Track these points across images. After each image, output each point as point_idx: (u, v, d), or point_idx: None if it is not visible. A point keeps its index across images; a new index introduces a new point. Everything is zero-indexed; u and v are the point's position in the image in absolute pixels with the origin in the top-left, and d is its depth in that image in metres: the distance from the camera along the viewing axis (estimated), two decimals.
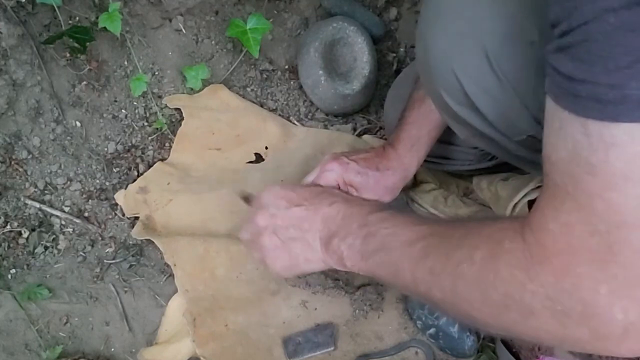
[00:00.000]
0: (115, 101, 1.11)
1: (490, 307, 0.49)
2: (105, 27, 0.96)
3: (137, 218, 1.04)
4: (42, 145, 1.05)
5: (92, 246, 1.04)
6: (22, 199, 1.03)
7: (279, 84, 1.22)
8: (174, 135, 1.12)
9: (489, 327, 0.52)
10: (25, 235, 1.02)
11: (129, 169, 1.10)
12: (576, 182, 0.41)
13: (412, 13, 1.31)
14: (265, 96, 1.21)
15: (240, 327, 0.93)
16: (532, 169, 0.84)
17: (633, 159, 0.38)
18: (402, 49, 1.32)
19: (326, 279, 0.97)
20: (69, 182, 1.07)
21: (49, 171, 1.06)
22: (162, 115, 1.12)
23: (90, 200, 1.07)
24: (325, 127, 1.21)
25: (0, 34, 0.96)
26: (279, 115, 1.20)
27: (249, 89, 1.20)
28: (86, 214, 1.06)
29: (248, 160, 1.13)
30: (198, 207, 1.04)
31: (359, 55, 1.20)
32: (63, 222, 1.05)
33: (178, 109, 1.13)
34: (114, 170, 1.09)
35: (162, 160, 1.11)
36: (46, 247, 1.02)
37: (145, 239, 1.00)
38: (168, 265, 0.98)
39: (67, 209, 1.05)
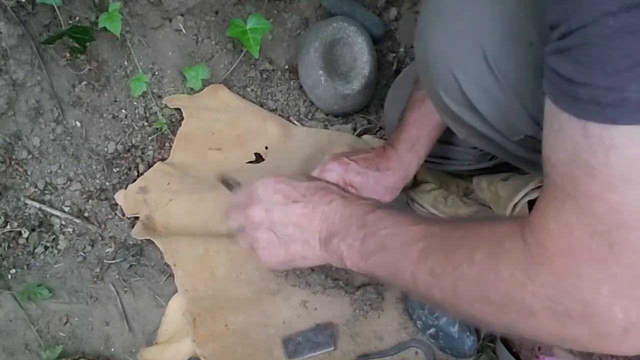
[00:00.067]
0: (115, 101, 1.11)
1: (490, 307, 0.50)
2: (105, 27, 0.96)
3: (137, 218, 1.04)
4: (42, 145, 1.05)
5: (92, 246, 1.04)
6: (22, 199, 1.03)
7: (279, 84, 1.22)
8: (174, 135, 1.12)
9: (489, 325, 0.52)
10: (25, 235, 1.02)
11: (129, 169, 1.10)
12: (576, 184, 0.42)
13: (412, 13, 1.31)
14: (265, 96, 1.21)
15: (240, 327, 0.93)
16: (532, 169, 0.84)
17: (632, 161, 0.38)
18: (402, 49, 1.32)
19: (326, 279, 0.97)
20: (69, 182, 1.07)
21: (49, 171, 1.06)
22: (162, 115, 1.12)
23: (90, 200, 1.07)
24: (325, 127, 1.21)
25: (0, 34, 0.96)
26: (279, 115, 1.20)
27: (249, 89, 1.20)
28: (86, 214, 1.06)
29: (248, 160, 1.13)
30: (198, 207, 1.04)
31: (359, 55, 1.20)
32: (63, 222, 1.05)
33: (178, 109, 1.13)
34: (114, 170, 1.09)
35: (162, 160, 1.11)
36: (46, 247, 1.02)
37: (145, 239, 1.00)
38: (168, 265, 0.98)
39: (67, 209, 1.05)
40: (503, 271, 0.47)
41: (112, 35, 1.01)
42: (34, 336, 0.96)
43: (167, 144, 1.13)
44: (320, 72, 1.16)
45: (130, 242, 1.04)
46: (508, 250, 0.48)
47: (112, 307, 1.00)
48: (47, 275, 1.01)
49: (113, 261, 1.02)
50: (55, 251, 1.03)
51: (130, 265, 1.03)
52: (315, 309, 0.96)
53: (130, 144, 1.11)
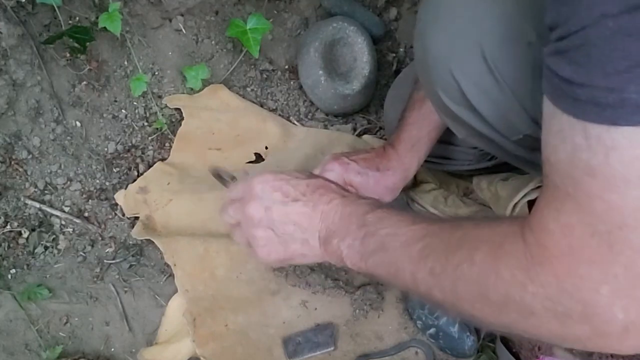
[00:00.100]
0: (115, 101, 1.11)
1: (491, 307, 0.50)
2: (105, 27, 0.96)
3: (137, 218, 1.04)
4: (42, 145, 1.05)
5: (92, 246, 1.04)
6: (22, 199, 1.03)
7: (279, 84, 1.22)
8: (174, 135, 1.12)
9: (490, 325, 0.52)
10: (25, 235, 1.02)
11: (129, 169, 1.10)
12: (576, 184, 0.42)
13: (412, 13, 1.31)
14: (265, 96, 1.21)
15: (240, 327, 0.93)
16: (531, 169, 0.84)
17: (632, 161, 0.38)
18: (402, 49, 1.32)
19: (326, 279, 0.97)
20: (69, 182, 1.07)
21: (49, 171, 1.06)
22: (162, 115, 1.12)
23: (90, 200, 1.07)
24: (325, 127, 1.21)
25: (0, 34, 0.96)
26: (279, 115, 1.20)
27: (249, 89, 1.20)
28: (86, 214, 1.06)
29: (248, 160, 1.13)
30: (198, 207, 1.04)
31: (359, 55, 1.20)
32: (63, 222, 1.05)
33: (178, 109, 1.13)
34: (114, 170, 1.09)
35: (162, 160, 1.11)
36: (46, 247, 1.02)
37: (145, 239, 1.00)
38: (168, 265, 0.98)
39: (67, 209, 1.05)
40: (503, 271, 0.47)
41: (112, 35, 1.01)
42: (34, 336, 0.96)
43: (167, 144, 1.13)
44: (320, 72, 1.16)
45: (130, 242, 1.04)
46: (508, 251, 0.48)
47: (112, 307, 1.00)
48: (47, 275, 1.01)
49: (113, 261, 1.02)
50: (55, 251, 1.03)
51: (130, 265, 1.03)
52: (315, 309, 0.96)
53: (130, 144, 1.11)
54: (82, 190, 1.07)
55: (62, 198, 1.06)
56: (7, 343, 0.95)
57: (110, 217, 1.06)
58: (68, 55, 1.05)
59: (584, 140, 0.40)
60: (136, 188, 1.05)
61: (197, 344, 0.89)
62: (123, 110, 1.11)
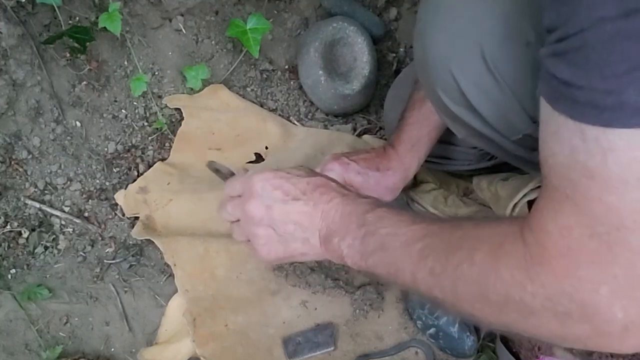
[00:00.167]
0: (115, 101, 1.11)
1: (490, 307, 0.50)
2: (105, 27, 0.96)
3: (137, 218, 1.04)
4: (42, 145, 1.05)
5: (92, 246, 1.04)
6: (22, 199, 1.03)
7: (279, 84, 1.22)
8: (174, 135, 1.12)
9: (490, 324, 0.52)
10: (25, 235, 1.02)
11: (129, 169, 1.10)
12: (574, 186, 0.42)
13: (412, 13, 1.31)
14: (265, 96, 1.21)
15: (240, 327, 0.93)
16: (531, 169, 0.84)
17: (629, 163, 0.39)
18: (402, 49, 1.32)
19: (326, 279, 0.97)
20: (69, 182, 1.07)
21: (49, 171, 1.06)
22: (162, 115, 1.12)
23: (90, 200, 1.07)
24: (325, 127, 1.21)
25: (0, 34, 0.96)
26: (279, 115, 1.20)
27: (249, 89, 1.20)
28: (86, 214, 1.06)
29: (248, 160, 1.13)
30: (198, 207, 1.04)
31: (359, 55, 1.20)
32: (63, 222, 1.05)
33: (178, 109, 1.13)
34: (114, 170, 1.09)
35: (162, 160, 1.11)
36: (46, 247, 1.02)
37: (145, 239, 1.00)
38: (168, 265, 0.98)
39: (67, 209, 1.05)
40: (503, 271, 0.48)
41: (112, 35, 1.01)
42: (34, 336, 0.96)
43: (167, 144, 1.13)
44: (320, 72, 1.16)
45: (130, 242, 1.04)
46: (508, 251, 0.48)
47: (112, 307, 1.00)
48: (47, 275, 1.01)
49: (113, 261, 1.02)
50: (55, 251, 1.03)
51: (130, 265, 1.03)
52: (315, 309, 0.96)
53: (130, 144, 1.11)
54: (82, 190, 1.07)
55: (62, 198, 1.06)
56: (7, 343, 0.95)
57: (110, 217, 1.06)
58: (68, 55, 1.05)
59: (581, 142, 0.40)
60: (136, 188, 1.05)
61: (197, 344, 0.89)
62: (123, 110, 1.11)
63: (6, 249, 1.01)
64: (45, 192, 1.05)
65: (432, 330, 0.94)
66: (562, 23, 0.40)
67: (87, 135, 1.09)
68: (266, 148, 1.15)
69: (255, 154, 1.14)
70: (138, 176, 1.08)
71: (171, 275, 0.98)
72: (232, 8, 1.17)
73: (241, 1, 1.17)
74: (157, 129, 1.11)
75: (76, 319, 0.98)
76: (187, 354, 0.92)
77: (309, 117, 1.23)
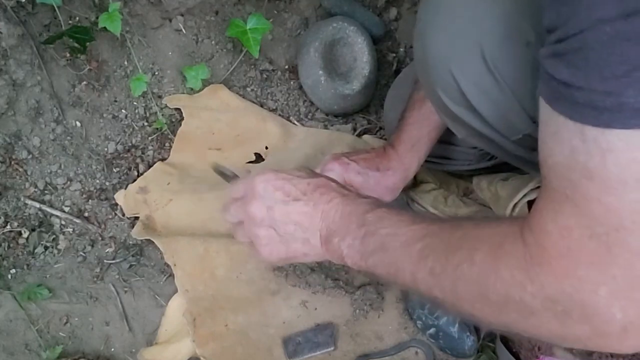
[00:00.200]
0: (115, 101, 1.11)
1: (490, 307, 0.50)
2: (105, 27, 0.96)
3: (137, 218, 1.04)
4: (42, 145, 1.05)
5: (92, 246, 1.04)
6: (22, 199, 1.03)
7: (279, 84, 1.22)
8: (174, 135, 1.12)
9: (490, 324, 0.52)
10: (25, 235, 1.02)
11: (129, 169, 1.10)
12: (574, 186, 0.42)
13: (412, 13, 1.31)
14: (265, 96, 1.21)
15: (240, 327, 0.93)
16: (531, 169, 0.84)
17: (628, 164, 0.39)
18: (402, 49, 1.32)
19: (326, 279, 0.97)
20: (69, 182, 1.07)
21: (49, 171, 1.06)
22: (162, 115, 1.12)
23: (90, 200, 1.07)
24: (325, 127, 1.21)
25: (0, 34, 0.96)
26: (279, 115, 1.20)
27: (249, 89, 1.20)
28: (86, 214, 1.06)
29: (248, 160, 1.13)
30: (198, 207, 1.04)
31: (359, 55, 1.20)
32: (63, 222, 1.05)
33: (178, 109, 1.13)
34: (114, 170, 1.09)
35: (162, 160, 1.11)
36: (46, 247, 1.02)
37: (145, 239, 1.00)
38: (168, 265, 0.98)
39: (67, 209, 1.05)
40: (503, 271, 0.48)
41: (112, 35, 1.01)
42: (34, 336, 0.96)
43: (167, 144, 1.13)
44: (320, 72, 1.16)
45: (130, 242, 1.04)
46: (508, 251, 0.48)
47: (112, 307, 1.00)
48: (47, 275, 1.01)
49: (113, 261, 1.02)
50: (55, 251, 1.03)
51: (130, 265, 1.03)
52: (315, 309, 0.96)
53: (130, 144, 1.11)
54: (82, 190, 1.07)
55: (62, 198, 1.06)
56: (7, 343, 0.95)
57: (110, 217, 1.06)
58: (68, 55, 1.05)
59: (581, 143, 0.40)
60: (136, 188, 1.05)
61: (197, 344, 0.89)
62: (123, 110, 1.11)
63: (6, 249, 1.01)
64: (45, 192, 1.05)
65: (432, 330, 0.94)
66: (562, 23, 0.40)
67: (87, 135, 1.09)
68: (266, 148, 1.15)
69: (255, 154, 1.14)
70: (138, 176, 1.08)
71: (171, 275, 0.98)
72: (232, 8, 1.17)
73: (241, 1, 1.17)
74: (157, 129, 1.11)
75: (76, 319, 0.98)
76: (187, 354, 0.92)
77: (309, 117, 1.23)
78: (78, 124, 1.08)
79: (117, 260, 1.03)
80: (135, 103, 1.12)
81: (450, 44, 0.65)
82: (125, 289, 1.01)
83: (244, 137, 1.14)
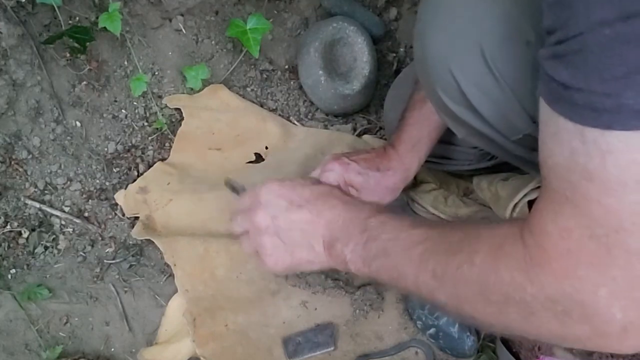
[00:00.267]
0: (115, 101, 1.11)
1: (491, 308, 0.50)
2: (105, 27, 0.96)
3: (137, 218, 1.04)
4: (42, 145, 1.05)
5: (92, 246, 1.04)
6: (22, 199, 1.03)
7: (279, 84, 1.22)
8: (174, 135, 1.12)
9: (491, 327, 0.53)
10: (25, 235, 1.02)
11: (129, 169, 1.10)
12: (574, 188, 0.42)
13: (412, 13, 1.31)
14: (265, 96, 1.21)
15: (240, 327, 0.93)
16: (531, 169, 0.84)
17: (628, 165, 0.39)
18: (402, 49, 1.32)
19: (326, 279, 0.97)
20: (69, 182, 1.07)
21: (49, 171, 1.06)
22: (162, 115, 1.12)
23: (90, 200, 1.07)
24: (325, 127, 1.21)
25: (0, 34, 0.96)
26: (279, 115, 1.20)
27: (249, 89, 1.20)
28: (86, 214, 1.06)
29: (248, 160, 1.13)
30: (198, 207, 1.04)
31: (359, 55, 1.20)
32: (63, 222, 1.05)
33: (178, 109, 1.13)
34: (114, 170, 1.09)
35: (162, 160, 1.11)
36: (46, 247, 1.02)
37: (145, 239, 1.00)
38: (168, 265, 0.98)
39: (67, 209, 1.05)
40: (503, 273, 0.48)
41: (112, 35, 1.01)
42: (34, 336, 0.96)
43: (167, 144, 1.13)
44: (320, 72, 1.16)
45: (130, 242, 1.04)
46: (508, 252, 0.48)
47: (112, 307, 1.00)
48: (47, 275, 1.01)
49: (113, 261, 1.02)
50: (55, 251, 1.03)
51: (130, 265, 1.03)
52: (315, 309, 0.96)
53: (130, 144, 1.11)
54: (82, 190, 1.07)
55: (62, 198, 1.06)
56: (7, 343, 0.95)
57: (110, 217, 1.06)
58: (68, 55, 1.05)
59: (580, 144, 0.40)
60: (136, 188, 1.05)
61: (197, 344, 0.89)
62: (123, 110, 1.11)
63: (6, 249, 1.01)
64: (45, 192, 1.05)
65: (432, 330, 0.94)
66: (561, 26, 0.40)
67: (87, 135, 1.09)
68: (266, 148, 1.15)
69: (255, 154, 1.14)
70: (138, 176, 1.08)
71: (171, 275, 0.98)
72: (232, 8, 1.17)
73: (241, 1, 1.17)
74: (157, 129, 1.11)
75: (76, 319, 0.98)
76: (187, 354, 0.92)
77: (309, 117, 1.23)
78: (78, 124, 1.08)
79: (117, 260, 1.03)
80: (135, 103, 1.12)
81: (450, 44, 0.65)
82: (125, 289, 1.01)
83: (244, 137, 1.14)
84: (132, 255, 1.03)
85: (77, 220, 1.05)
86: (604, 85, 0.38)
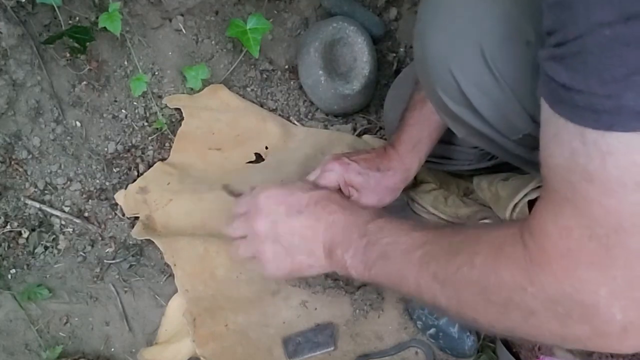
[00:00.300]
0: (115, 101, 1.11)
1: (492, 309, 0.50)
2: (105, 27, 0.96)
3: (137, 218, 1.04)
4: (42, 145, 1.05)
5: (92, 246, 1.04)
6: (22, 199, 1.03)
7: (279, 84, 1.22)
8: (174, 135, 1.12)
9: (492, 329, 0.53)
10: (25, 235, 1.02)
11: (129, 169, 1.10)
12: (574, 188, 0.42)
13: (412, 13, 1.31)
14: (265, 96, 1.21)
15: (240, 327, 0.93)
16: (531, 169, 0.84)
17: (629, 167, 0.39)
18: (402, 49, 1.32)
19: (326, 279, 0.97)
20: (69, 182, 1.07)
21: (49, 171, 1.06)
22: (162, 115, 1.12)
23: (90, 200, 1.07)
24: (325, 127, 1.21)
25: (0, 34, 0.96)
26: (279, 115, 1.20)
27: (249, 89, 1.20)
28: (86, 214, 1.06)
29: (248, 160, 1.13)
30: (198, 207, 1.04)
31: (359, 55, 1.20)
32: (63, 222, 1.05)
33: (178, 109, 1.13)
34: (114, 170, 1.09)
35: (162, 160, 1.11)
36: (46, 247, 1.02)
37: (145, 239, 1.00)
38: (168, 265, 0.98)
39: (67, 209, 1.05)
40: (503, 274, 0.48)
41: (112, 35, 1.01)
42: (34, 336, 0.96)
43: (167, 144, 1.13)
44: (320, 72, 1.16)
45: (130, 242, 1.04)
46: (508, 253, 0.48)
47: (112, 307, 1.00)
48: (47, 275, 1.01)
49: (113, 261, 1.02)
50: (55, 251, 1.03)
51: (130, 265, 1.02)
52: (315, 309, 0.96)
53: (130, 144, 1.11)
54: (82, 190, 1.07)
55: (62, 198, 1.06)
56: (7, 343, 0.95)
57: (110, 217, 1.06)
58: (68, 55, 1.05)
59: (581, 145, 0.40)
60: (136, 188, 1.05)
61: (197, 344, 0.89)
62: (123, 110, 1.11)
63: (6, 249, 1.01)
64: (45, 192, 1.05)
65: (432, 331, 0.94)
66: (561, 28, 0.40)
67: (87, 135, 1.09)
68: (266, 148, 1.15)
69: (255, 154, 1.14)
70: (138, 176, 1.08)
71: (171, 275, 0.98)
72: (232, 8, 1.17)
73: (241, 1, 1.17)
74: (157, 129, 1.11)
75: (76, 319, 0.98)
76: (187, 354, 0.91)
77: (309, 117, 1.23)
78: (78, 124, 1.08)
79: (117, 260, 1.02)
80: (135, 103, 1.12)
81: (450, 44, 0.65)
82: (125, 289, 1.01)
83: (244, 137, 1.14)
84: (132, 255, 1.03)
85: (77, 220, 1.05)
86: (604, 87, 0.38)
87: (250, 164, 1.13)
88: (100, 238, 1.05)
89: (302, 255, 0.72)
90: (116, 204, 1.06)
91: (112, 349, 0.97)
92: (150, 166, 1.09)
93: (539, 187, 0.89)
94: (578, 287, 0.43)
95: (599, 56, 0.38)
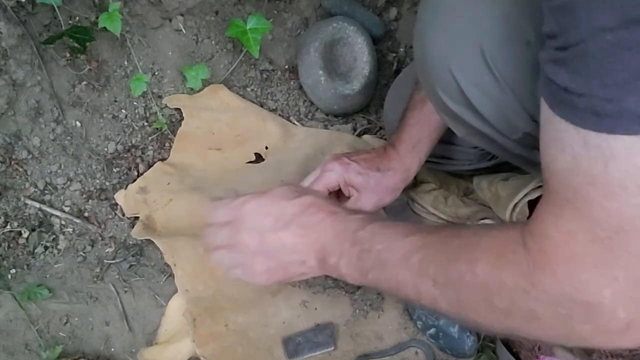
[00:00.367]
0: (115, 101, 1.11)
1: (495, 314, 0.50)
2: (105, 27, 0.96)
3: (137, 218, 1.04)
4: (42, 145, 1.05)
5: (92, 246, 1.04)
6: (22, 199, 1.03)
7: (279, 84, 1.22)
8: (174, 135, 1.12)
9: (494, 330, 0.53)
10: (25, 235, 1.02)
11: (129, 169, 1.10)
12: (576, 191, 0.42)
13: (412, 13, 1.31)
14: (265, 96, 1.21)
15: (240, 327, 0.93)
16: (532, 169, 0.84)
17: (630, 170, 0.39)
18: (402, 49, 1.32)
19: (326, 279, 0.97)
20: (69, 182, 1.07)
21: (49, 171, 1.06)
22: (162, 115, 1.12)
23: (90, 200, 1.07)
24: (325, 127, 1.21)
25: (0, 34, 0.96)
26: (279, 115, 1.20)
27: (249, 89, 1.20)
28: (86, 214, 1.06)
29: (248, 160, 1.13)
30: (198, 207, 1.03)
31: (359, 55, 1.20)
32: (63, 222, 1.05)
33: (178, 109, 1.13)
34: (114, 170, 1.09)
35: (162, 160, 1.11)
36: (46, 247, 1.02)
37: (145, 239, 1.00)
38: (168, 265, 0.98)
39: (67, 209, 1.05)
40: (506, 280, 0.48)
41: (112, 35, 1.01)
42: (34, 336, 0.96)
43: (167, 144, 1.13)
44: (320, 72, 1.16)
45: (130, 242, 1.04)
46: (510, 260, 0.48)
47: (112, 307, 1.00)
48: (47, 275, 1.01)
49: (113, 261, 1.02)
50: (55, 251, 1.03)
51: (130, 265, 1.02)
52: (315, 309, 0.96)
53: (130, 144, 1.11)
54: (82, 190, 1.07)
55: (62, 198, 1.06)
56: (7, 343, 0.95)
57: (110, 217, 1.06)
58: (68, 55, 1.05)
59: (583, 149, 0.40)
60: (136, 188, 1.05)
61: (197, 344, 0.89)
62: (123, 110, 1.11)
63: (6, 249, 1.01)
64: (45, 192, 1.05)
65: (432, 330, 0.94)
66: (562, 32, 0.40)
67: (87, 135, 1.09)
68: (266, 148, 1.15)
69: (255, 154, 1.14)
70: (138, 176, 1.08)
71: (171, 275, 0.98)
72: (232, 8, 1.17)
73: (241, 1, 1.17)
74: (157, 129, 1.11)
75: (76, 319, 0.98)
76: (187, 354, 0.91)
77: (309, 117, 1.23)
78: (78, 124, 1.08)
79: (117, 260, 1.02)
80: (135, 103, 1.12)
81: (450, 44, 0.65)
82: (125, 289, 1.01)
83: (244, 137, 1.14)
84: (132, 255, 1.03)
85: (77, 220, 1.05)
86: (605, 91, 0.38)
87: (250, 164, 1.13)
88: (100, 238, 1.05)
89: (294, 266, 0.70)
90: (116, 204, 1.06)
91: (112, 349, 0.97)
92: (150, 166, 1.09)
93: (539, 187, 0.89)
94: (581, 288, 0.43)
95: (600, 60, 0.38)
